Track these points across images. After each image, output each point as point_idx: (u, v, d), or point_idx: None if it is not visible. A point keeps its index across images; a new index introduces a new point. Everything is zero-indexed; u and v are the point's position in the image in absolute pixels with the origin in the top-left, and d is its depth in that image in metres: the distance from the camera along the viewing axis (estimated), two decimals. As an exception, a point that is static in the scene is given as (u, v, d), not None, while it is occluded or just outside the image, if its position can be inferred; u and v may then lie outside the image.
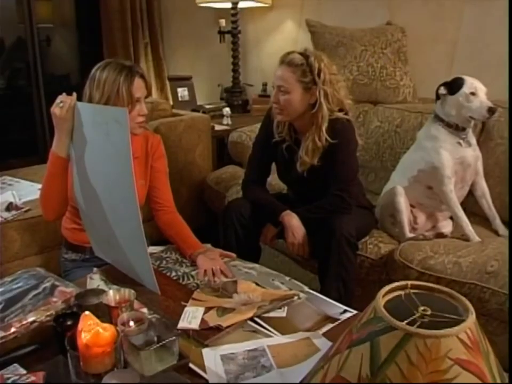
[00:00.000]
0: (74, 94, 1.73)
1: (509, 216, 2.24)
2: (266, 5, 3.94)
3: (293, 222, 2.20)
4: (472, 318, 0.85)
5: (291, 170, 2.31)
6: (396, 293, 0.96)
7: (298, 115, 2.18)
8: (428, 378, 0.80)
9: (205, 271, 1.82)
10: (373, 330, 0.87)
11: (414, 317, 0.87)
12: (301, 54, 2.14)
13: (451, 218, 2.46)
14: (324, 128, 2.15)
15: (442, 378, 0.80)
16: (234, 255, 1.99)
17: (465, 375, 0.80)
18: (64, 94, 1.73)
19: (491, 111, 2.23)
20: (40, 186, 1.94)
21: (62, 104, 1.69)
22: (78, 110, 1.69)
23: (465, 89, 2.27)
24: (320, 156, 2.19)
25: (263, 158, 2.41)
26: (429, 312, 0.88)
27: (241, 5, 3.93)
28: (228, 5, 3.93)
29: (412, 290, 0.95)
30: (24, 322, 1.38)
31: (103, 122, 1.59)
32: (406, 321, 0.85)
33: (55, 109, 1.70)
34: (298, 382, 1.18)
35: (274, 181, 2.64)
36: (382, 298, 0.92)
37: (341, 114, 2.18)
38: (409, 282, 0.97)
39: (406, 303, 0.92)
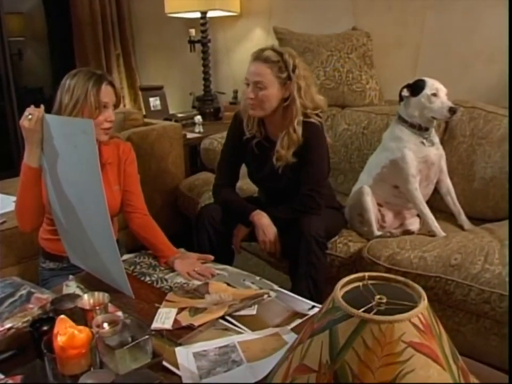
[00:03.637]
0: (42, 106, 1.76)
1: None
2: (235, 14, 3.99)
3: (263, 221, 2.24)
4: (424, 304, 0.89)
5: (263, 167, 2.35)
6: (354, 284, 1.01)
7: (271, 110, 2.22)
8: (383, 361, 0.84)
9: (188, 273, 1.88)
10: (332, 319, 0.90)
11: (371, 305, 0.92)
12: (274, 50, 2.20)
13: (418, 215, 2.52)
14: (297, 121, 2.20)
15: (397, 361, 0.84)
16: (211, 257, 2.04)
17: (418, 357, 0.84)
18: (32, 106, 1.76)
19: (452, 110, 2.29)
20: (15, 198, 1.96)
21: (31, 116, 1.72)
22: (47, 121, 1.72)
23: (427, 90, 2.34)
24: (294, 150, 2.23)
25: (231, 161, 2.45)
26: (384, 300, 0.92)
27: (210, 14, 3.97)
28: (197, 15, 3.96)
29: (370, 281, 0.99)
30: (1, 329, 1.41)
31: (70, 134, 1.62)
32: (362, 309, 0.90)
33: (24, 122, 1.73)
34: (266, 373, 1.23)
35: (245, 185, 2.68)
36: (340, 289, 0.97)
37: (313, 114, 2.24)
38: (367, 273, 1.01)
39: (364, 293, 0.96)
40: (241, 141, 2.37)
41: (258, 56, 2.20)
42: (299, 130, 2.21)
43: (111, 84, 1.95)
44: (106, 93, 1.91)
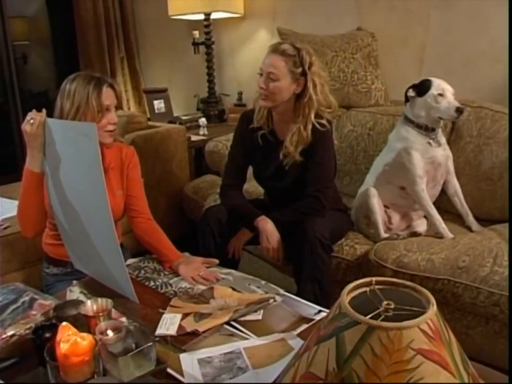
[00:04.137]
0: (44, 111, 1.75)
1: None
2: (239, 15, 3.97)
3: (267, 227, 2.22)
4: (433, 310, 0.87)
5: (269, 165, 2.35)
6: (361, 290, 0.99)
7: (281, 102, 2.22)
8: (391, 369, 0.82)
9: (192, 278, 1.86)
10: (338, 325, 0.89)
11: (378, 311, 0.90)
12: (292, 45, 2.20)
13: (425, 217, 2.49)
14: (309, 118, 2.20)
15: (406, 368, 0.82)
16: (216, 261, 2.03)
17: (428, 364, 0.82)
18: (34, 110, 1.76)
19: (459, 111, 2.27)
20: (18, 203, 1.95)
21: (32, 121, 1.72)
22: (49, 126, 1.71)
23: (433, 90, 2.32)
24: (302, 148, 2.23)
25: (239, 163, 2.44)
26: (392, 306, 0.90)
27: (213, 16, 3.95)
28: (201, 17, 3.95)
29: (377, 286, 0.98)
30: (4, 336, 1.39)
31: (73, 138, 1.61)
32: (370, 316, 0.88)
33: (26, 126, 1.73)
34: (272, 381, 1.21)
35: (251, 187, 2.67)
36: (347, 295, 0.95)
37: (325, 113, 2.24)
38: (374, 278, 0.99)
39: (371, 298, 0.95)
40: (248, 142, 2.36)
41: (275, 49, 2.20)
42: (309, 128, 2.21)
43: (111, 86, 1.94)
44: (108, 95, 1.90)
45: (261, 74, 2.23)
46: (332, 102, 2.28)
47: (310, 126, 2.21)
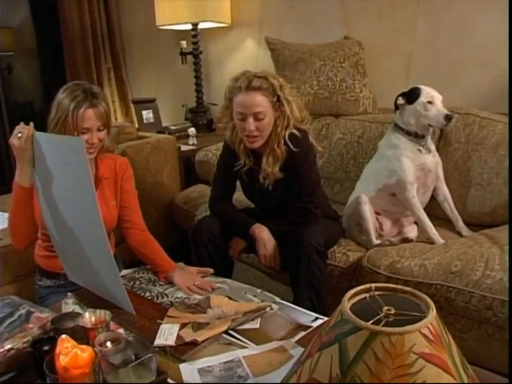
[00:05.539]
0: (32, 124, 1.72)
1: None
2: (226, 25, 3.98)
3: (264, 234, 2.23)
4: (433, 314, 0.89)
5: (254, 186, 2.34)
6: (361, 296, 1.00)
7: (267, 135, 2.19)
8: (394, 373, 0.84)
9: (188, 288, 1.86)
10: (340, 332, 0.90)
11: (379, 316, 0.91)
12: (258, 77, 2.12)
13: (416, 223, 2.52)
14: (283, 134, 2.17)
15: (408, 372, 0.84)
16: (211, 270, 2.03)
17: (430, 367, 0.84)
18: (21, 123, 1.73)
19: (448, 118, 2.30)
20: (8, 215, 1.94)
21: (20, 134, 1.69)
22: (37, 139, 1.69)
23: (423, 98, 2.35)
24: (281, 165, 2.21)
25: (227, 175, 2.42)
26: (392, 311, 0.91)
27: (201, 25, 3.96)
28: (188, 27, 3.95)
29: (376, 292, 0.99)
30: (1, 350, 1.38)
31: (60, 152, 1.60)
32: (371, 321, 0.89)
33: (14, 140, 1.70)
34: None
35: (241, 196, 2.67)
36: (347, 301, 0.96)
37: (298, 126, 2.21)
38: (373, 284, 1.00)
39: (371, 304, 0.96)
40: (234, 161, 2.34)
41: (250, 86, 2.10)
42: (282, 144, 2.19)
43: (95, 106, 1.88)
44: (87, 118, 1.86)
45: (243, 119, 2.14)
46: (305, 115, 2.26)
47: (282, 142, 2.18)
